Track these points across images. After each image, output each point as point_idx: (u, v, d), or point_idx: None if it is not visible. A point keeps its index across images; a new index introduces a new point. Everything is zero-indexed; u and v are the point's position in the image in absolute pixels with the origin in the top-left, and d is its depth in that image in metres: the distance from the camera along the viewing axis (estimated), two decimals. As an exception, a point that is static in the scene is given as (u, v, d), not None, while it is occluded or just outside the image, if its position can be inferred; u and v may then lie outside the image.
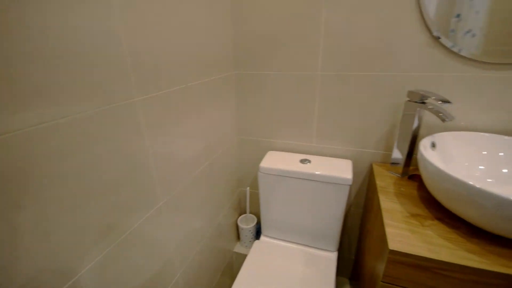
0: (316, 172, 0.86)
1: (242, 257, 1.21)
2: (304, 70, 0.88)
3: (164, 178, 0.65)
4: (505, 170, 0.67)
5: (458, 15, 0.72)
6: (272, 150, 1.05)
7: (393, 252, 0.56)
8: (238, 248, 1.23)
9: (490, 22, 0.69)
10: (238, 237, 1.26)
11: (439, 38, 0.71)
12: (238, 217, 1.22)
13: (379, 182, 0.80)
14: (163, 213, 0.66)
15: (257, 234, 1.22)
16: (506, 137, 0.69)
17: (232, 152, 1.06)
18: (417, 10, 0.71)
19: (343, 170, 0.86)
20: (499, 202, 0.49)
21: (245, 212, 1.25)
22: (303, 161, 0.93)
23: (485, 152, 0.70)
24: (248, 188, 1.13)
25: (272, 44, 0.88)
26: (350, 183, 0.83)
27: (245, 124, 1.05)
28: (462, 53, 0.72)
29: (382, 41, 0.77)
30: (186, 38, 0.67)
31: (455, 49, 0.72)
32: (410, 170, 0.84)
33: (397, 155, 0.83)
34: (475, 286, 0.53)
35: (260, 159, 1.09)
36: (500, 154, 0.69)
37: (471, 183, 0.51)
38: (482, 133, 0.73)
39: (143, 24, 0.52)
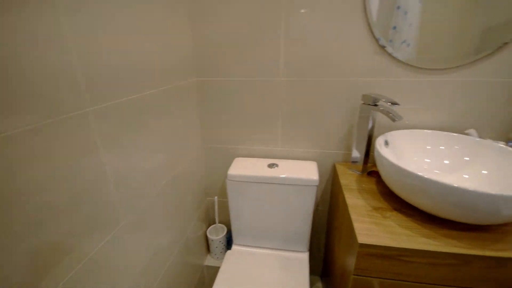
0: (284, 176, 0.87)
1: (214, 270, 1.16)
2: (267, 76, 0.90)
3: (125, 195, 0.59)
4: (446, 162, 0.76)
5: (394, 27, 0.81)
6: (239, 156, 1.04)
7: (362, 245, 0.59)
8: (209, 261, 1.18)
9: (421, 34, 0.79)
10: (208, 250, 1.21)
11: (384, 47, 0.79)
12: (207, 228, 1.17)
13: (343, 181, 0.85)
14: (126, 233, 0.60)
15: (228, 244, 1.19)
16: (444, 133, 0.80)
17: (198, 162, 1.02)
18: (365, 22, 0.78)
19: (309, 171, 0.89)
20: (445, 189, 0.55)
21: (214, 223, 1.21)
22: (270, 165, 0.94)
23: (429, 147, 0.80)
24: (216, 197, 1.10)
25: (234, 51, 0.88)
26: (317, 183, 0.87)
27: (210, 132, 1.03)
28: (401, 60, 0.82)
29: (338, 50, 0.83)
30: (143, 44, 0.63)
31: (397, 57, 0.81)
32: (369, 167, 0.91)
33: (356, 154, 0.89)
34: (433, 267, 0.59)
35: (228, 167, 1.07)
36: (441, 147, 0.78)
37: (421, 174, 0.57)
38: (425, 130, 0.83)
39: (93, 28, 0.48)
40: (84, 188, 0.47)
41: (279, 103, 0.93)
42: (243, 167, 0.93)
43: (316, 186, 0.87)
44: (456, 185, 0.54)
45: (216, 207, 1.11)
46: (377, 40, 0.79)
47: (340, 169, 0.93)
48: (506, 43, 0.74)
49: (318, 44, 0.83)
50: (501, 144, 0.72)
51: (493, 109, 0.83)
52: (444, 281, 0.60)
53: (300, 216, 0.94)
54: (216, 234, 1.15)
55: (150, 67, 0.66)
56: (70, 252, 0.45)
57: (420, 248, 0.57)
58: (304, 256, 0.99)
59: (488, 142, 0.74)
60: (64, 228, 0.44)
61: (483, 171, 0.70)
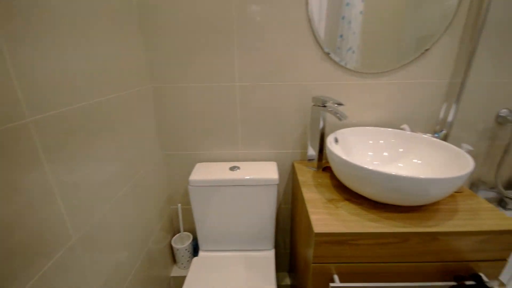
0: (245, 177, 0.90)
1: (181, 280, 1.13)
2: (223, 81, 0.92)
3: (76, 210, 0.56)
4: (385, 154, 0.87)
5: (341, 36, 0.90)
6: (201, 162, 1.04)
7: (318, 234, 0.64)
8: (176, 271, 1.14)
9: (364, 41, 0.89)
10: (174, 260, 1.18)
11: (329, 54, 0.88)
12: (172, 237, 1.14)
13: (301, 178, 0.90)
14: (78, 251, 0.56)
15: (195, 251, 1.17)
16: (382, 129, 0.90)
17: (158, 169, 1.00)
18: (310, 32, 0.86)
19: (269, 171, 0.93)
20: (384, 177, 0.63)
21: (179, 231, 1.18)
22: (232, 168, 0.95)
23: (371, 142, 0.90)
24: (179, 204, 1.08)
25: (188, 56, 0.89)
26: (277, 182, 0.91)
27: (170, 138, 1.01)
28: (347, 66, 0.91)
29: (290, 57, 0.89)
30: (90, 49, 0.60)
31: (342, 63, 0.90)
32: (323, 163, 0.99)
33: (312, 152, 0.95)
34: (379, 247, 0.66)
35: (189, 172, 1.06)
36: (380, 142, 0.89)
37: (364, 166, 0.65)
38: (367, 127, 0.93)
39: (31, 31, 0.45)
40: (28, 202, 0.44)
41: (237, 107, 0.96)
42: (204, 172, 0.93)
43: (277, 184, 0.91)
44: (393, 173, 0.62)
45: (180, 215, 1.09)
46: (322, 48, 0.87)
47: (298, 167, 0.98)
48: (427, 49, 0.88)
49: (271, 51, 0.88)
50: (429, 136, 0.85)
51: (421, 106, 0.96)
52: (390, 258, 0.68)
53: (264, 215, 0.97)
54: (182, 243, 1.13)
55: (100, 73, 0.64)
56: (12, 276, 0.41)
57: (367, 231, 0.64)
58: (270, 254, 1.02)
59: (418, 135, 0.86)
60: (14, 245, 0.40)
61: (414, 160, 0.81)
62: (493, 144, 1.03)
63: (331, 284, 0.66)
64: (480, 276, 0.70)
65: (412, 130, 0.99)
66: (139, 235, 0.84)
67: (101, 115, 0.65)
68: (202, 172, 0.93)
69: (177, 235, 1.15)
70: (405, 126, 0.95)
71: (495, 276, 0.72)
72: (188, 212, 1.14)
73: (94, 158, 0.62)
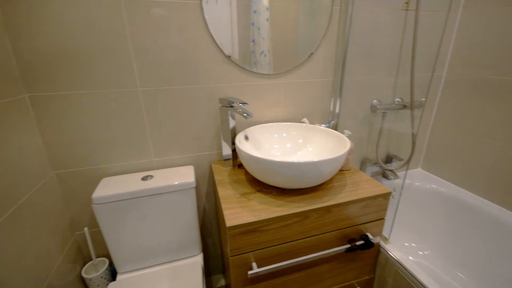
0: (160, 185, 0.86)
1: (100, 313, 1.00)
2: (122, 87, 0.86)
3: None
4: (288, 145, 0.97)
5: (253, 40, 0.96)
6: (108, 176, 0.94)
7: (230, 227, 0.67)
8: (91, 305, 1.00)
9: (273, 45, 0.98)
10: (89, 292, 1.03)
11: (230, 57, 0.93)
12: (82, 267, 0.99)
13: (217, 177, 0.93)
14: None
15: (114, 276, 1.05)
16: (285, 123, 1.01)
17: (51, 191, 0.86)
18: (209, 36, 0.89)
19: (185, 175, 0.92)
20: (286, 166, 0.70)
21: (91, 259, 1.04)
22: (144, 178, 0.90)
23: (276, 135, 0.99)
24: (86, 228, 0.95)
25: (76, 61, 0.79)
26: (194, 185, 0.90)
27: (63, 154, 0.88)
28: (258, 68, 0.98)
29: (190, 60, 0.90)
30: None
31: (256, 66, 0.97)
32: (238, 161, 1.04)
33: (226, 151, 0.99)
34: (286, 228, 0.74)
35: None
36: (283, 135, 0.99)
37: (268, 158, 0.71)
38: (272, 123, 1.02)
39: None
40: None
41: (143, 113, 0.91)
42: (111, 187, 0.85)
43: (194, 188, 0.91)
44: (293, 161, 0.70)
45: (89, 239, 0.96)
46: (222, 52, 0.92)
47: (216, 168, 1.00)
48: (312, 53, 1.02)
49: (171, 55, 0.87)
50: (322, 126, 0.99)
51: (316, 101, 1.12)
52: (296, 235, 0.76)
53: (186, 221, 0.95)
54: (96, 271, 1.00)
55: None
56: None
57: (273, 216, 0.71)
58: (198, 259, 1.00)
59: (314, 126, 1.00)
60: None
61: (309, 148, 0.94)
62: (371, 129, 1.28)
63: (249, 272, 0.71)
64: (367, 235, 0.86)
65: (311, 122, 1.14)
66: (33, 272, 0.71)
67: None
68: (109, 187, 0.85)
69: (89, 263, 1.01)
70: (305, 119, 1.09)
71: (379, 233, 0.90)
72: (99, 235, 1.02)
73: None
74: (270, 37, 0.97)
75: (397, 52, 1.15)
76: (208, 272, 1.30)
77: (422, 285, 0.78)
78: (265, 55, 0.99)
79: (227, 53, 0.92)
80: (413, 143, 1.25)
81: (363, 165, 1.35)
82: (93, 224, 1.00)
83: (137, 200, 0.86)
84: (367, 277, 0.97)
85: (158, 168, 1.00)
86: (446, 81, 1.28)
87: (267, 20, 0.95)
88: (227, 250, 0.77)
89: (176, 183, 0.87)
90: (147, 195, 0.86)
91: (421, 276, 0.81)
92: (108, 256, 1.05)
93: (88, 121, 0.87)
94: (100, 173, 0.93)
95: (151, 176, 0.91)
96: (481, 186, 1.18)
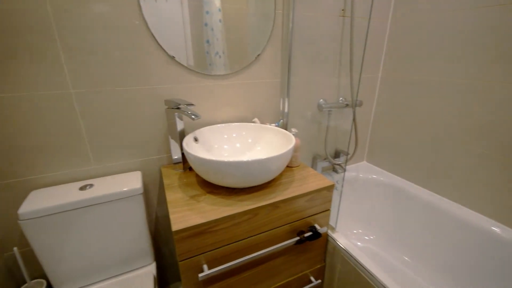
0: (101, 194, 0.80)
1: None
2: (52, 89, 0.78)
3: None
4: (238, 145, 0.99)
5: (207, 41, 0.94)
6: (39, 188, 0.85)
7: (176, 231, 0.66)
8: (26, 334, 0.89)
9: (227, 47, 0.97)
10: (23, 321, 0.91)
11: (174, 57, 0.90)
12: (13, 294, 0.88)
13: (166, 181, 0.90)
14: None
15: (54, 299, 0.95)
16: (234, 124, 1.02)
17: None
18: (150, 35, 0.85)
19: (131, 182, 0.87)
20: (234, 165, 0.71)
21: (25, 282, 0.92)
22: (83, 187, 0.83)
23: (226, 136, 1.00)
24: (15, 248, 0.84)
25: (-8, 60, 0.70)
26: (141, 192, 0.86)
27: (-20, 167, 0.77)
28: (213, 69, 0.98)
29: (131, 60, 0.85)
30: None
31: (211, 67, 0.97)
32: (189, 164, 1.01)
33: (176, 154, 0.96)
34: (235, 227, 0.75)
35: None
36: (233, 135, 1.00)
37: (215, 159, 0.71)
38: (222, 124, 1.02)
39: None
40: None
41: (77, 117, 0.84)
42: (42, 200, 0.77)
43: (141, 194, 0.86)
44: (238, 160, 0.70)
45: (20, 260, 0.85)
46: (166, 52, 0.89)
47: (165, 172, 0.97)
48: (259, 55, 1.05)
49: (108, 54, 0.82)
50: (272, 126, 1.03)
51: (266, 101, 1.15)
52: (246, 233, 0.78)
53: (134, 230, 0.90)
54: (30, 296, 0.89)
55: None
56: None
57: (222, 216, 0.71)
58: (150, 269, 0.96)
59: (263, 125, 1.03)
60: None
61: (258, 148, 0.97)
62: (320, 126, 1.36)
63: (200, 275, 0.70)
64: (315, 227, 0.91)
65: (262, 122, 1.18)
66: None
67: None
68: (38, 200, 0.76)
69: (23, 286, 0.90)
70: (256, 119, 1.11)
71: (326, 223, 0.96)
72: (32, 254, 0.91)
73: None
74: (224, 38, 0.97)
75: (338, 55, 1.25)
76: (166, 281, 1.25)
77: (364, 268, 0.85)
78: (220, 56, 0.99)
79: (171, 53, 0.89)
80: (356, 138, 1.36)
81: (314, 161, 1.43)
82: (22, 243, 0.89)
83: (75, 212, 0.78)
84: (319, 266, 1.03)
85: (100, 176, 0.93)
86: (381, 81, 1.42)
87: (220, 21, 0.95)
88: (175, 255, 0.75)
89: (120, 190, 0.82)
90: (86, 206, 0.79)
91: (363, 260, 0.88)
92: (44, 276, 0.94)
93: (10, 127, 0.77)
94: (28, 185, 0.84)
95: (91, 185, 0.84)
96: (412, 173, 1.34)
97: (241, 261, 0.76)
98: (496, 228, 1.01)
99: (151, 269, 0.96)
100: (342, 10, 1.17)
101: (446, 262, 1.14)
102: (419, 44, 1.19)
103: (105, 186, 0.84)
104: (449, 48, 1.08)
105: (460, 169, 1.12)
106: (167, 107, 0.89)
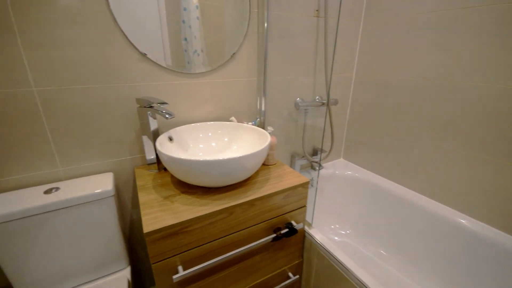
0: (68, 197, 0.76)
1: None
2: (10, 87, 0.73)
3: None
4: (213, 144, 0.98)
5: (185, 39, 0.92)
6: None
7: (148, 233, 0.64)
8: None
9: (206, 45, 0.96)
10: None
11: (145, 54, 0.88)
12: (-30, 308, 0.81)
13: (139, 182, 0.87)
14: None
15: (18, 311, 0.89)
16: (210, 122, 1.02)
17: None
18: (119, 31, 0.82)
19: (101, 184, 0.84)
20: (208, 165, 0.70)
21: (-16, 296, 0.86)
22: (48, 191, 0.79)
23: (201, 135, 0.99)
24: (-28, 259, 0.78)
25: None
26: (112, 194, 0.83)
27: None
28: (192, 68, 0.96)
29: (99, 57, 0.82)
30: None
31: (190, 65, 0.96)
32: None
33: (150, 155, 0.94)
34: (211, 226, 0.74)
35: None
36: (209, 134, 1.00)
37: (189, 158, 0.70)
38: (198, 123, 1.01)
39: None
40: None
41: (41, 117, 0.79)
42: (3, 205, 0.71)
43: (112, 196, 0.83)
44: (212, 159, 0.70)
45: (-22, 272, 0.79)
46: (137, 49, 0.86)
47: (139, 172, 0.94)
48: (234, 53, 1.05)
49: (77, 50, 0.78)
50: (248, 124, 1.03)
51: (243, 100, 1.15)
52: (222, 232, 0.77)
53: (106, 234, 0.86)
54: (-10, 309, 0.83)
55: None
56: None
57: (196, 215, 0.70)
58: (124, 274, 0.93)
59: (240, 124, 1.03)
60: None
61: (234, 147, 0.97)
62: (297, 125, 1.38)
63: (174, 277, 0.68)
64: (291, 223, 0.92)
65: (239, 121, 1.17)
66: None
67: None
68: (-2, 206, 0.71)
69: (-18, 301, 0.84)
70: (233, 118, 1.11)
71: (302, 219, 0.98)
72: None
73: None
74: (203, 36, 0.95)
75: (313, 55, 1.27)
76: (142, 285, 1.21)
77: (339, 262, 0.88)
78: (198, 54, 0.97)
79: (142, 50, 0.87)
80: (332, 136, 1.39)
81: (292, 159, 1.45)
82: (-17, 253, 0.82)
83: (40, 217, 0.74)
84: (297, 262, 1.05)
85: (68, 178, 0.89)
86: (355, 81, 1.47)
87: (198, 18, 0.93)
88: (149, 258, 0.73)
89: (89, 193, 0.79)
90: (52, 210, 0.75)
91: (338, 254, 0.91)
92: (11, 286, 0.88)
93: (-36, 128, 0.71)
94: (-14, 190, 0.78)
95: (57, 188, 0.80)
96: (386, 169, 1.40)
97: (217, 261, 0.75)
98: (463, 220, 1.07)
99: (126, 273, 0.93)
100: (316, 10, 1.19)
101: (418, 253, 1.20)
102: (390, 44, 1.24)
103: (73, 189, 0.80)
104: (418, 49, 1.14)
105: (428, 165, 1.19)
106: (139, 105, 0.87)
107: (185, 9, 0.90)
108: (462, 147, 1.05)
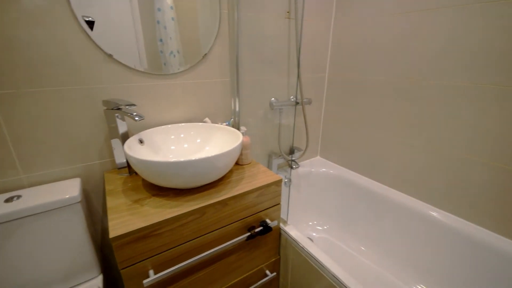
0: (30, 205, 0.73)
1: None
2: (-38, 90, 0.69)
3: None
4: (185, 145, 0.97)
5: (161, 40, 0.90)
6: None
7: (114, 238, 0.62)
8: None
9: (182, 46, 0.94)
10: None
11: (111, 55, 0.86)
12: None
13: (108, 187, 0.85)
14: None
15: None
16: (181, 124, 1.01)
17: None
18: (82, 32, 0.80)
19: (66, 190, 0.81)
20: (179, 166, 0.70)
21: None
22: (9, 199, 0.75)
23: (173, 137, 0.98)
24: None
25: None
26: (78, 200, 0.80)
27: None
28: (168, 69, 0.95)
29: (62, 58, 0.79)
30: None
31: (166, 66, 0.95)
32: (137, 167, 0.97)
33: (120, 158, 0.91)
34: (182, 228, 0.73)
35: None
36: (181, 135, 0.99)
37: (158, 160, 0.69)
38: (170, 125, 1.00)
39: None
40: None
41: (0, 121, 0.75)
42: (-45, 216, 0.67)
43: (79, 203, 0.80)
44: (182, 160, 0.69)
45: None
46: (102, 50, 0.84)
47: (109, 177, 0.92)
48: (206, 54, 1.05)
49: (35, 51, 0.75)
50: (222, 125, 1.03)
51: (218, 101, 1.15)
52: (194, 234, 0.77)
53: (75, 242, 0.83)
54: None
55: None
56: None
57: (166, 218, 0.69)
58: (95, 282, 0.89)
59: (212, 124, 1.03)
60: None
61: (206, 148, 0.97)
62: (273, 124, 1.40)
63: (144, 281, 0.67)
64: (265, 221, 0.94)
65: (214, 122, 1.17)
66: None
67: None
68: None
69: None
70: (207, 119, 1.11)
71: (277, 217, 1.00)
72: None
73: None
74: (178, 37, 0.94)
75: (286, 55, 1.30)
76: (118, 293, 1.18)
77: (314, 258, 0.90)
78: (175, 56, 0.96)
79: (108, 51, 0.85)
80: (307, 135, 1.43)
81: (270, 158, 1.47)
82: None
83: (1, 227, 0.70)
84: (274, 259, 1.06)
85: (32, 185, 0.84)
86: (328, 81, 1.51)
87: (173, 19, 0.92)
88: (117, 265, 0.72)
89: (53, 200, 0.76)
90: (13, 219, 0.71)
91: (313, 249, 0.93)
92: (-34, 305, 0.83)
93: None
94: None
95: (19, 196, 0.76)
96: (359, 165, 1.45)
97: (190, 262, 0.75)
98: (434, 213, 1.13)
99: (97, 282, 0.90)
100: (287, 12, 1.22)
101: (394, 245, 1.25)
102: (360, 45, 1.30)
103: (36, 197, 0.77)
104: (386, 49, 1.19)
105: (396, 160, 1.25)
106: (105, 108, 0.85)
107: (159, 9, 0.89)
108: (425, 142, 1.11)
